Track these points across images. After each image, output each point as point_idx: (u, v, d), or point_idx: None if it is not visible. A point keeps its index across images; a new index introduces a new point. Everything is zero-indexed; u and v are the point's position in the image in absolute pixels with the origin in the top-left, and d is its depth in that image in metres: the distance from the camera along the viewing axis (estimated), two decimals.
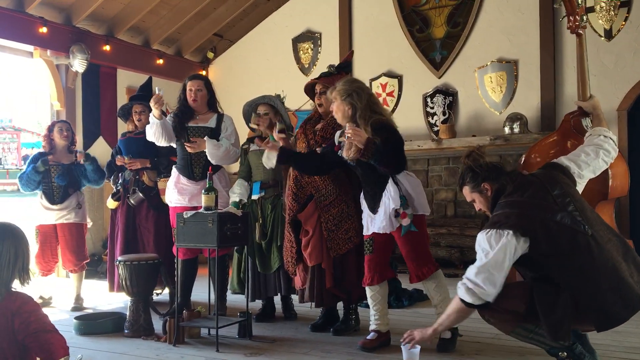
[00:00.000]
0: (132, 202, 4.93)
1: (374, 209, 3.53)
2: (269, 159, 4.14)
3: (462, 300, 2.67)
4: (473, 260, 2.74)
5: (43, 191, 4.95)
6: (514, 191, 2.76)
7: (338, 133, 3.68)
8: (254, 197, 4.33)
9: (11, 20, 6.06)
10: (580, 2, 3.53)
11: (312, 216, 3.86)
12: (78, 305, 4.90)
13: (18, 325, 2.29)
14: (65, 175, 4.94)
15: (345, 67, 4.15)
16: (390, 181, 3.45)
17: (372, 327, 3.61)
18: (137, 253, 4.70)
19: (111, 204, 5.03)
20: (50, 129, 5.09)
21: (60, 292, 5.36)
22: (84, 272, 5.13)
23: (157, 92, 4.25)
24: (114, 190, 5.06)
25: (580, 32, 3.60)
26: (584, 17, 3.58)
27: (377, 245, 3.55)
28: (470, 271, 2.66)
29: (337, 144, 3.64)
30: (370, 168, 3.47)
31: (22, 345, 2.31)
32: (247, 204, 4.28)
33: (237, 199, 4.24)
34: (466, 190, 2.95)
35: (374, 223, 3.53)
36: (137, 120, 5.03)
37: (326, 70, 4.10)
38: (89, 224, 5.24)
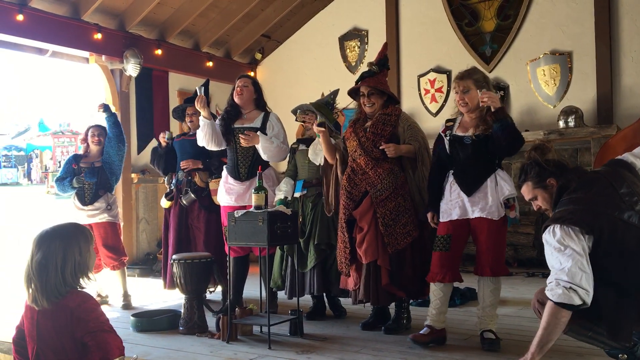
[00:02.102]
0: (184, 202, 5.06)
1: (471, 191, 3.47)
2: (317, 155, 4.19)
3: (570, 305, 2.47)
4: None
5: (76, 192, 5.07)
6: (578, 188, 2.64)
7: (443, 124, 3.73)
8: (296, 194, 4.37)
9: (68, 28, 6.28)
10: None
11: (368, 213, 3.81)
12: (127, 303, 5.01)
13: (77, 323, 2.35)
14: (94, 172, 5.04)
15: (385, 63, 4.06)
16: (499, 170, 3.50)
17: (427, 322, 3.59)
18: (189, 252, 4.82)
19: (165, 203, 5.21)
20: (86, 133, 5.23)
21: (113, 290, 5.50)
22: (126, 268, 5.22)
23: (199, 94, 4.33)
24: (168, 190, 5.22)
25: None
26: None
27: (455, 243, 3.50)
28: (562, 276, 2.48)
29: (443, 128, 3.69)
30: (484, 149, 3.46)
31: (81, 343, 2.37)
32: (290, 201, 4.32)
33: (283, 197, 4.30)
34: (528, 187, 2.81)
35: (473, 207, 3.46)
36: (189, 122, 5.14)
37: (367, 69, 4.04)
38: (122, 223, 5.34)
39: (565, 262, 2.48)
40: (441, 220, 3.58)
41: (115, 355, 2.34)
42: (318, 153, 4.19)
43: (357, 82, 3.98)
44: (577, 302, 2.47)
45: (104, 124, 5.20)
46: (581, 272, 2.46)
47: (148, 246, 7.24)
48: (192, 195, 5.01)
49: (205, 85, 5.03)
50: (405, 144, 3.83)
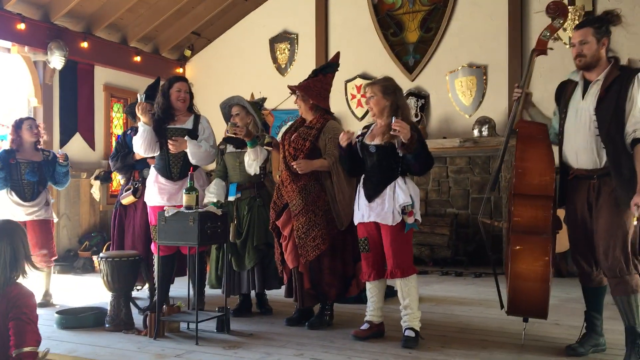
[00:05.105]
0: None
1: (371, 197, 3.69)
2: (250, 166, 4.31)
3: None
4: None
5: (12, 187, 4.90)
6: None
7: (360, 129, 3.90)
8: (230, 198, 4.45)
9: None
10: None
11: (288, 223, 4.07)
12: (45, 302, 4.94)
13: (11, 310, 2.50)
14: (36, 172, 4.95)
15: (324, 68, 4.28)
16: (400, 178, 3.68)
17: (366, 317, 3.84)
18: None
19: (129, 200, 5.01)
20: (17, 126, 5.02)
21: (34, 287, 5.40)
22: (52, 267, 5.17)
23: (139, 100, 4.33)
24: (132, 187, 5.02)
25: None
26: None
27: (372, 244, 3.74)
28: None
29: (359, 133, 3.86)
30: (387, 158, 3.66)
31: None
32: (223, 204, 4.40)
33: (215, 200, 4.36)
34: (587, 31, 3.22)
35: (371, 212, 3.68)
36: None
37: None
38: (55, 219, 5.29)
39: None
40: (355, 222, 3.83)
41: (29, 344, 2.47)
42: (251, 164, 4.31)
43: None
44: None
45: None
46: None
47: (69, 242, 7.10)
48: None
49: (154, 87, 5.00)
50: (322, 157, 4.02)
